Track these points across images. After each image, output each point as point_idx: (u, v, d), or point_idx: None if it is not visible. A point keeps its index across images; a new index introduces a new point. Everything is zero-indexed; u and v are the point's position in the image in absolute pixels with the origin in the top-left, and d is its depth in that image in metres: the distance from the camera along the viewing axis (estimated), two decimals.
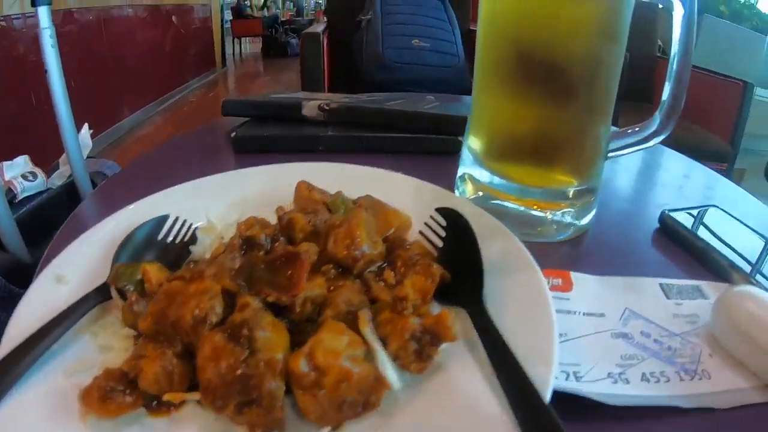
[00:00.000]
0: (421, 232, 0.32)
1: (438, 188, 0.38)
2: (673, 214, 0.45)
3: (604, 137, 0.41)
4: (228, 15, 7.57)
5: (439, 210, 0.31)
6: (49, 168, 1.15)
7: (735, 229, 0.44)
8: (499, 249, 0.30)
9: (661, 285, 0.36)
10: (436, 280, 0.26)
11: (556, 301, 0.31)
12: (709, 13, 3.70)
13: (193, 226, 0.35)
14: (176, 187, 0.40)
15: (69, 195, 1.06)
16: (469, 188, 0.42)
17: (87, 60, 3.31)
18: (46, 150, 1.20)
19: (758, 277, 0.36)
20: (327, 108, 0.58)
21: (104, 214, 0.36)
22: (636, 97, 2.42)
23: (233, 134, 0.55)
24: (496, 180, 0.40)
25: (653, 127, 0.40)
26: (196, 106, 4.41)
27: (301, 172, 0.39)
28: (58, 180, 1.08)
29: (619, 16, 0.36)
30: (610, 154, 0.42)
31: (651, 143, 0.41)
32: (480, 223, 0.32)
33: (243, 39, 7.58)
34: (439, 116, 0.55)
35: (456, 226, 0.30)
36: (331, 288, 0.26)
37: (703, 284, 0.36)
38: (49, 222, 0.94)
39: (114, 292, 0.28)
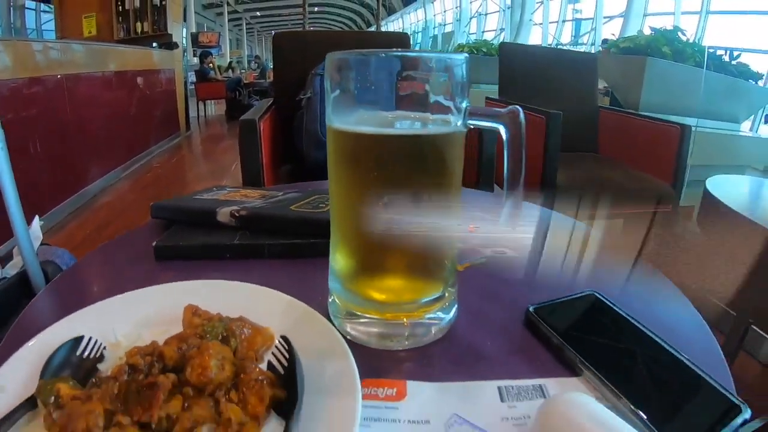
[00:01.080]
0: (269, 360, 0.41)
1: (305, 307, 0.46)
2: (539, 310, 0.45)
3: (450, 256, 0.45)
4: (192, 77, 7.77)
5: (283, 337, 0.41)
6: (4, 255, 1.21)
7: (607, 317, 0.45)
8: (333, 371, 0.38)
9: (499, 388, 0.37)
10: (266, 400, 0.35)
11: (385, 410, 0.36)
12: (653, 55, 3.89)
13: (102, 346, 0.44)
14: (92, 306, 0.48)
15: (23, 284, 1.13)
16: (335, 299, 0.49)
17: (51, 125, 3.34)
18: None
19: (603, 372, 0.37)
20: (237, 215, 0.68)
21: (40, 326, 0.44)
22: (580, 147, 2.53)
23: (154, 243, 0.64)
24: (352, 298, 0.47)
25: None
26: (159, 173, 4.46)
27: (193, 291, 0.49)
28: (12, 270, 1.15)
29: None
30: (461, 268, 0.46)
31: None
32: (323, 344, 0.41)
33: (207, 101, 7.77)
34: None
35: (291, 353, 0.39)
36: (187, 405, 0.34)
37: (548, 382, 0.38)
38: (6, 310, 1.00)
39: (39, 403, 0.37)
